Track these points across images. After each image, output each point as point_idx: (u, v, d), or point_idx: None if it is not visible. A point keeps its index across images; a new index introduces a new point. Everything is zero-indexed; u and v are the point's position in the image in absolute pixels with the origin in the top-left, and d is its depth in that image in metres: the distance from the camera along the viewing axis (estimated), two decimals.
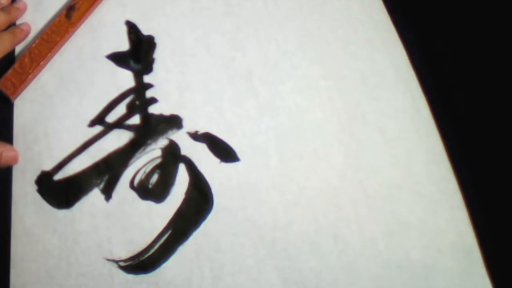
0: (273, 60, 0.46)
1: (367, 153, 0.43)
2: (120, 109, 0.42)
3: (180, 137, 0.41)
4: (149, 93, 0.43)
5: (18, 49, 0.43)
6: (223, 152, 0.41)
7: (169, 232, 0.38)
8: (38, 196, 0.38)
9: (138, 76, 0.43)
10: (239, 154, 0.41)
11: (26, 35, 0.44)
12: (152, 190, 0.39)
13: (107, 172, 0.39)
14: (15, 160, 0.38)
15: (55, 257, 0.36)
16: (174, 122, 0.42)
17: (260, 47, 0.47)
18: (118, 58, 0.44)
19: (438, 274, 0.39)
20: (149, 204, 0.39)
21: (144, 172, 0.40)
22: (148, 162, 0.40)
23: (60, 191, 0.38)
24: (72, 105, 0.41)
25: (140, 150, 0.40)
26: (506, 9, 0.47)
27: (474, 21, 0.49)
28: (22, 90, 0.41)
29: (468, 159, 0.42)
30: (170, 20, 0.47)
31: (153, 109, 0.42)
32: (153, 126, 0.41)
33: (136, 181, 0.39)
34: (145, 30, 0.46)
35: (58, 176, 0.39)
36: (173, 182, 0.40)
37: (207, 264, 0.37)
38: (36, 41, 0.43)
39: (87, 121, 0.41)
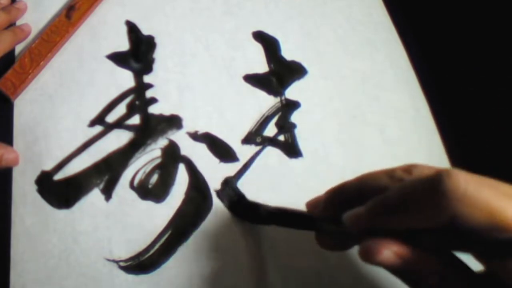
0: None
1: (367, 153, 0.43)
2: (120, 109, 0.42)
3: (180, 137, 0.41)
4: (149, 93, 0.43)
5: (18, 49, 0.43)
6: (223, 152, 0.41)
7: (169, 232, 0.38)
8: (38, 196, 0.38)
9: (138, 76, 0.43)
10: (239, 154, 0.41)
11: (27, 36, 0.43)
12: (152, 190, 0.39)
13: (107, 172, 0.39)
14: (16, 162, 0.38)
15: (55, 257, 0.36)
16: (174, 122, 0.42)
17: (260, 47, 0.47)
18: (118, 58, 0.44)
19: None
20: (149, 204, 0.39)
21: (144, 172, 0.40)
22: (148, 162, 0.40)
23: (60, 191, 0.38)
24: (72, 105, 0.41)
25: (140, 150, 0.40)
26: (506, 9, 0.47)
27: (474, 21, 0.49)
28: (22, 90, 0.41)
29: (468, 159, 0.42)
30: (170, 20, 0.47)
31: (153, 109, 0.42)
32: (153, 126, 0.41)
33: (136, 181, 0.39)
34: (145, 30, 0.46)
35: (58, 176, 0.39)
36: (173, 182, 0.40)
37: (207, 264, 0.37)
38: (36, 41, 0.43)
39: (87, 121, 0.41)
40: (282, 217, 0.34)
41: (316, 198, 0.32)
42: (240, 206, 0.38)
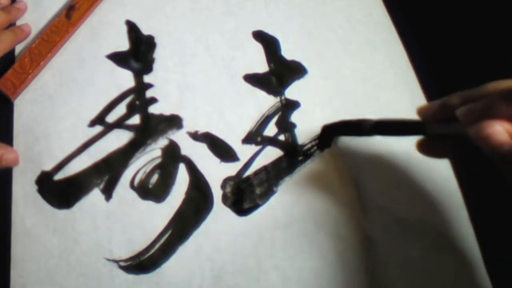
0: None
1: (367, 153, 0.43)
2: (120, 109, 0.42)
3: (180, 137, 0.41)
4: (149, 93, 0.43)
5: (18, 49, 0.43)
6: (223, 152, 0.41)
7: (169, 232, 0.38)
8: (38, 196, 0.38)
9: (138, 76, 0.43)
10: (239, 153, 0.41)
11: (27, 36, 0.43)
12: (152, 190, 0.39)
13: (107, 172, 0.39)
14: (16, 162, 0.38)
15: (55, 257, 0.36)
16: (174, 122, 0.42)
17: (260, 47, 0.47)
18: (118, 58, 0.44)
19: (438, 274, 0.39)
20: (149, 204, 0.39)
21: (144, 172, 0.40)
22: (148, 162, 0.40)
23: (60, 191, 0.38)
24: (72, 105, 0.41)
25: (140, 150, 0.40)
26: (506, 9, 0.47)
27: (474, 20, 0.49)
28: (22, 90, 0.41)
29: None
30: (170, 20, 0.47)
31: (153, 109, 0.42)
32: (153, 126, 0.41)
33: (136, 181, 0.39)
34: (145, 30, 0.46)
35: (58, 176, 0.39)
36: (173, 182, 0.40)
37: (207, 264, 0.37)
38: (36, 41, 0.43)
39: (87, 121, 0.41)
40: (388, 126, 0.35)
41: (428, 104, 0.35)
42: (342, 126, 0.39)
